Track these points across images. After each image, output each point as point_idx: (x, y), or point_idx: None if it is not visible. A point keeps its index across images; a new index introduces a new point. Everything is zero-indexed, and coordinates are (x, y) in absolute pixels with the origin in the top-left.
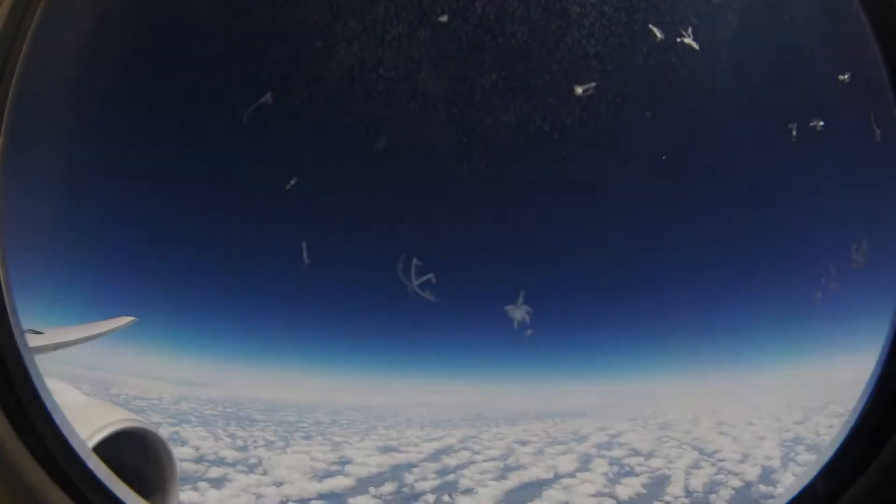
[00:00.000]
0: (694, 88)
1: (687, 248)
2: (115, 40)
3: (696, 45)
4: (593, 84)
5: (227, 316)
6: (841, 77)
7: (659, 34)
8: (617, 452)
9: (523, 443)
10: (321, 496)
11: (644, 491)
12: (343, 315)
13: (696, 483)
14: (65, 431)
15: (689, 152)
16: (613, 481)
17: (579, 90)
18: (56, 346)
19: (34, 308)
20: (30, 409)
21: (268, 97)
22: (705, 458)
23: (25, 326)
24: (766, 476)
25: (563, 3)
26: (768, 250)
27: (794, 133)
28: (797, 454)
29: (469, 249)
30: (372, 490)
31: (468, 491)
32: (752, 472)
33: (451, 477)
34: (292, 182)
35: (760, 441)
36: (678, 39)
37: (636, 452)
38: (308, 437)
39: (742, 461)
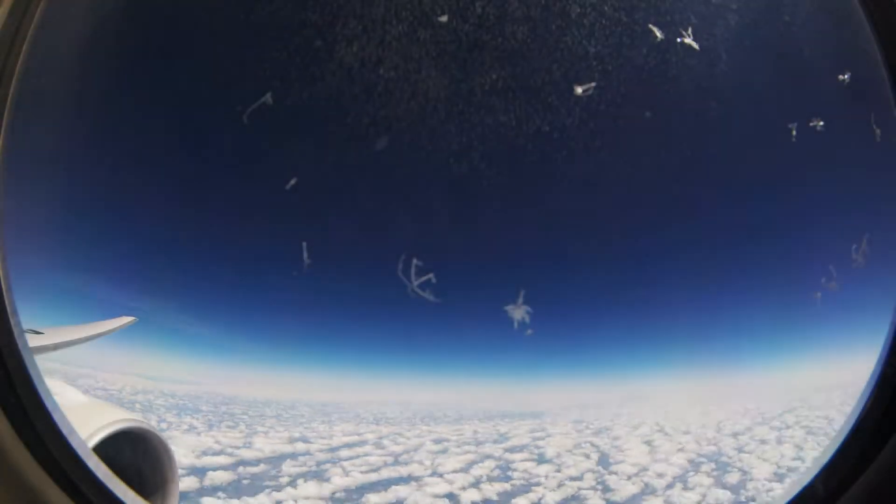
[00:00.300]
0: (694, 89)
1: (685, 247)
2: (115, 40)
3: (696, 46)
4: (593, 84)
5: (217, 316)
6: (841, 77)
7: (659, 34)
8: (518, 456)
9: (440, 441)
10: (188, 467)
11: (496, 498)
12: (326, 317)
13: (556, 496)
14: (65, 431)
15: (689, 152)
16: (474, 485)
17: (579, 90)
18: (56, 346)
19: (34, 308)
20: (30, 409)
21: (268, 97)
22: (599, 468)
23: (25, 326)
24: (638, 497)
25: (564, 3)
26: (768, 250)
27: (794, 133)
28: (696, 473)
29: (454, 248)
30: (240, 469)
31: (325, 478)
32: (628, 490)
33: (325, 466)
34: (292, 181)
35: (674, 454)
36: (678, 39)
37: (537, 458)
38: (233, 426)
39: (632, 476)
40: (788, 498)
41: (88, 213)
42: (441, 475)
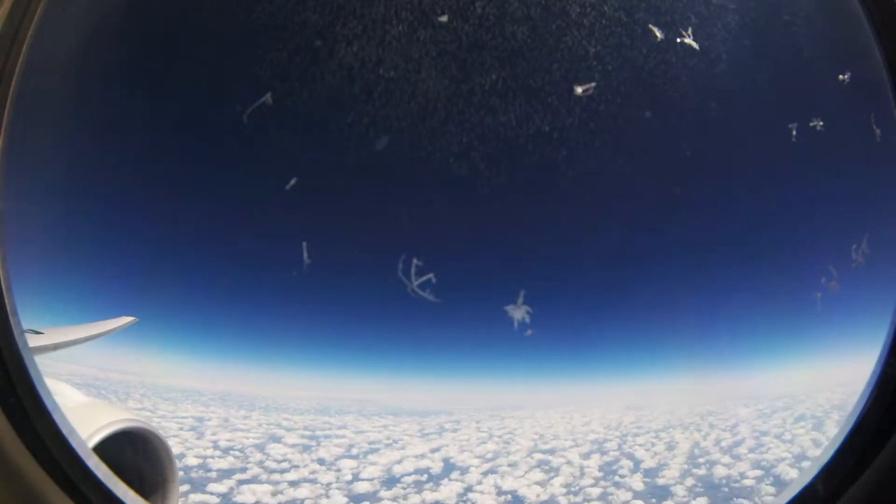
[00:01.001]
0: (694, 89)
1: (682, 247)
2: (115, 40)
3: (696, 46)
4: (593, 84)
5: (216, 315)
6: (841, 77)
7: (659, 34)
8: (297, 441)
9: (286, 427)
10: None
11: (232, 468)
12: (325, 318)
13: (223, 463)
14: (65, 431)
15: (688, 152)
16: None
17: (579, 90)
18: (56, 346)
19: (34, 308)
20: (30, 409)
21: (268, 97)
22: (314, 464)
23: (25, 326)
24: (385, 482)
25: (564, 3)
26: (767, 250)
27: (794, 133)
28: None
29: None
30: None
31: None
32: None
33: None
34: (292, 182)
35: (412, 461)
36: (678, 40)
37: (306, 444)
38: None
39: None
40: (788, 498)
41: (88, 213)
42: (200, 439)
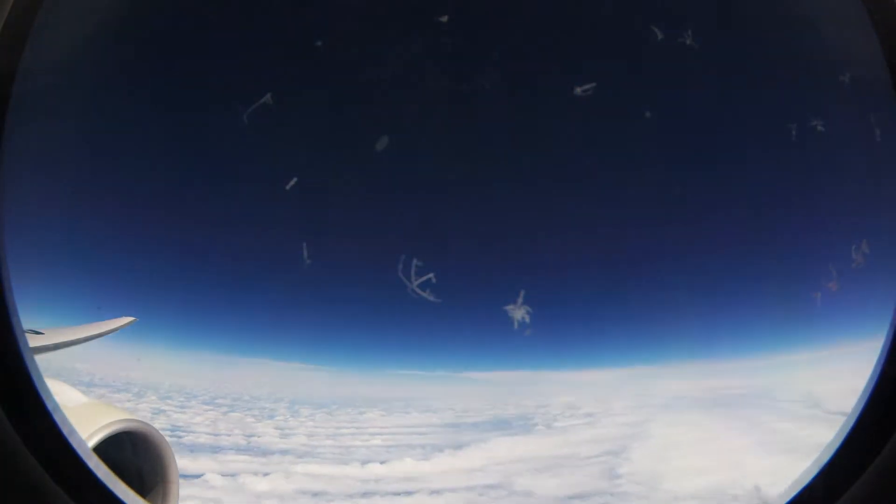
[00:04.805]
0: (692, 88)
1: (681, 247)
2: (117, 40)
3: (695, 45)
4: (592, 84)
5: (216, 315)
6: (841, 77)
7: (660, 34)
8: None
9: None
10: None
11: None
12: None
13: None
14: (65, 431)
15: (687, 152)
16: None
17: (578, 90)
18: (56, 346)
19: (34, 308)
20: (30, 409)
21: (268, 97)
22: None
23: (25, 326)
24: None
25: (562, 2)
26: (766, 251)
27: (794, 133)
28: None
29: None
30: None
31: None
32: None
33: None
34: (292, 182)
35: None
36: (677, 39)
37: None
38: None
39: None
40: (788, 498)
41: (89, 213)
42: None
